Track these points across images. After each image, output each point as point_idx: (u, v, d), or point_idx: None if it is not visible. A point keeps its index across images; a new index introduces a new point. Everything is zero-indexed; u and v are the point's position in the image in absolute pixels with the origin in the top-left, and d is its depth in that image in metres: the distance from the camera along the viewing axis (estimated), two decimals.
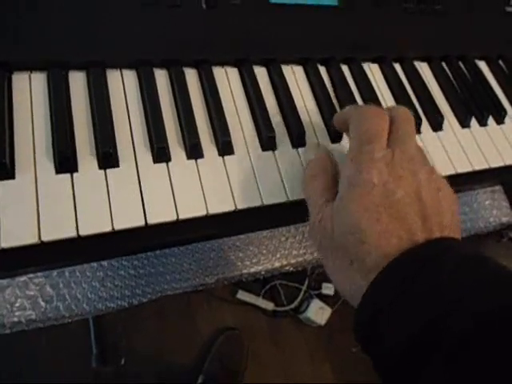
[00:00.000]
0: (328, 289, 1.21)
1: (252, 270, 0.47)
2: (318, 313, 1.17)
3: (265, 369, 1.14)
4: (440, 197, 0.26)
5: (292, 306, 1.20)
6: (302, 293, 1.21)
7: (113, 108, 0.31)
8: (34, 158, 0.28)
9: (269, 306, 1.19)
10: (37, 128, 0.29)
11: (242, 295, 1.18)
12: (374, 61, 0.42)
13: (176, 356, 1.10)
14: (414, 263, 0.23)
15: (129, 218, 0.28)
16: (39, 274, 0.30)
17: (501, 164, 0.40)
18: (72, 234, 0.26)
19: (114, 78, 0.32)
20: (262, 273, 0.48)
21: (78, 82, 0.31)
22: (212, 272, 0.45)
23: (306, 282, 1.22)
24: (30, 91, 0.30)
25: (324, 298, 1.21)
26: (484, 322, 0.20)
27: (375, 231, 0.24)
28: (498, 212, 0.44)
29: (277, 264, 0.48)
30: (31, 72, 0.31)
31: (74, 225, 0.26)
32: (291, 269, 0.49)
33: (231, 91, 0.35)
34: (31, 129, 0.29)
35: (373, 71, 0.41)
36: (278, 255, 0.48)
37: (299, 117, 0.35)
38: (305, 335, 1.19)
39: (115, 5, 0.33)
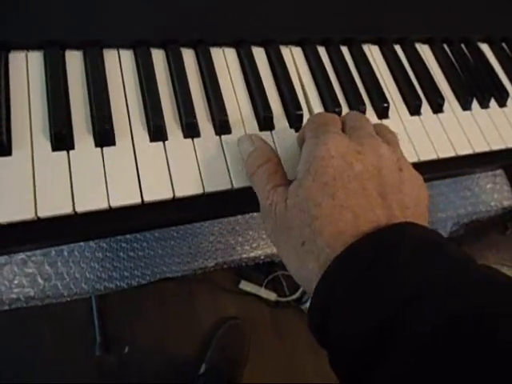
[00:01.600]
0: None
1: (252, 254, 0.47)
2: None
3: (267, 358, 1.14)
4: (402, 177, 0.25)
5: (294, 296, 1.21)
6: None
7: (109, 87, 0.31)
8: (31, 136, 0.28)
9: (271, 296, 1.20)
10: (33, 106, 0.29)
11: (245, 285, 1.19)
12: (374, 42, 0.41)
13: (178, 346, 1.11)
14: (368, 252, 0.21)
15: (125, 196, 0.28)
16: (37, 252, 0.30)
17: (502, 147, 0.40)
18: (68, 210, 0.26)
19: (111, 57, 0.32)
20: (262, 257, 0.48)
21: (74, 60, 0.31)
22: (211, 256, 0.45)
23: None
24: (26, 70, 0.30)
25: None
26: (437, 326, 0.18)
27: (329, 207, 0.23)
28: (500, 196, 0.43)
29: None
30: (28, 51, 0.31)
31: (71, 201, 0.27)
32: None
33: (229, 71, 0.35)
34: (28, 107, 0.29)
35: (373, 53, 0.41)
36: None
37: (297, 97, 0.34)
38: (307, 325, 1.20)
39: None
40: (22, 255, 0.30)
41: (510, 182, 0.43)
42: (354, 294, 0.20)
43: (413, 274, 0.20)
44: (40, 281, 0.30)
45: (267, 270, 1.21)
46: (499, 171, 0.44)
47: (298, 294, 1.21)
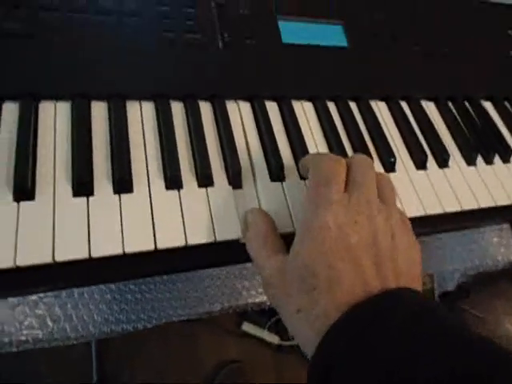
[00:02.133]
0: None
1: (257, 299, 0.47)
2: None
3: None
4: (395, 244, 0.26)
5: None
6: None
7: (130, 136, 0.33)
8: (54, 181, 0.29)
9: (274, 339, 1.17)
10: (58, 153, 0.31)
11: (247, 327, 1.16)
12: (381, 99, 0.43)
13: None
14: (363, 320, 0.22)
15: (139, 242, 0.29)
16: (49, 293, 0.31)
17: (507, 202, 0.40)
18: (84, 255, 0.27)
19: (133, 108, 0.34)
20: (268, 303, 0.48)
21: (99, 111, 0.33)
22: (217, 300, 0.45)
23: None
24: (54, 119, 0.32)
25: None
26: None
27: (326, 277, 0.24)
28: (506, 250, 0.44)
29: None
30: (57, 101, 0.33)
31: (87, 246, 0.27)
32: None
33: (243, 124, 0.37)
34: (53, 153, 0.30)
35: (380, 109, 0.43)
36: None
37: (307, 150, 0.36)
38: None
39: (137, 45, 0.36)
40: (34, 296, 0.30)
41: None
42: (351, 361, 0.21)
43: (407, 338, 0.20)
44: (49, 323, 0.31)
45: (270, 313, 1.19)
46: (505, 225, 0.44)
47: None
